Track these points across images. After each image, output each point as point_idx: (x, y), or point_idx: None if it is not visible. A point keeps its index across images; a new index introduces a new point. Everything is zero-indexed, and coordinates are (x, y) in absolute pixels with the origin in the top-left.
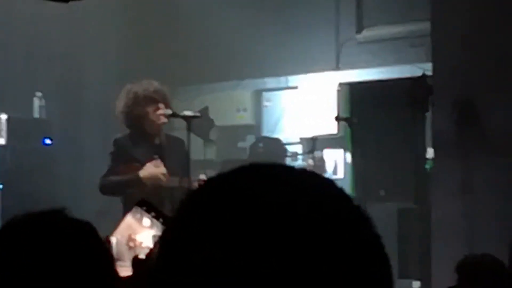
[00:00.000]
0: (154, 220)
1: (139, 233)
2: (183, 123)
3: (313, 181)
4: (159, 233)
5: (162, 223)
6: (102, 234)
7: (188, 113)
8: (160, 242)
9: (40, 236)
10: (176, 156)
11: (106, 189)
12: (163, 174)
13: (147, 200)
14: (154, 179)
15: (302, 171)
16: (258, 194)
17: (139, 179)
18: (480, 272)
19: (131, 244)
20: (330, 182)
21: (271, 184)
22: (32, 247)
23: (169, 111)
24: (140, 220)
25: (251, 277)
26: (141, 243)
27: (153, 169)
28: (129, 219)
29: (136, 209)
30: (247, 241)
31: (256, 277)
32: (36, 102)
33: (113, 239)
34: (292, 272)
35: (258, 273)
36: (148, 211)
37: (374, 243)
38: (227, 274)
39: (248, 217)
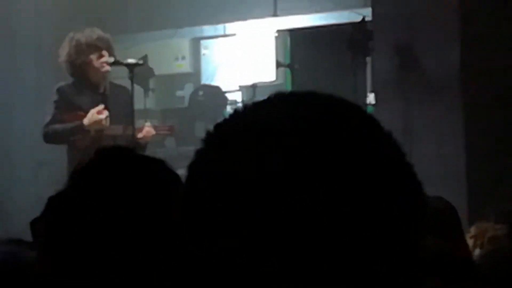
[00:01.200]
0: None
1: None
2: (124, 72)
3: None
4: None
5: None
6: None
7: (131, 60)
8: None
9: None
10: (120, 104)
11: (50, 137)
12: (106, 120)
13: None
14: (97, 124)
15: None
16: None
17: (82, 125)
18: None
19: None
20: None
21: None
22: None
23: (112, 59)
24: None
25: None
26: None
27: (96, 116)
28: None
29: None
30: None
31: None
32: None
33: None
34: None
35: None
36: None
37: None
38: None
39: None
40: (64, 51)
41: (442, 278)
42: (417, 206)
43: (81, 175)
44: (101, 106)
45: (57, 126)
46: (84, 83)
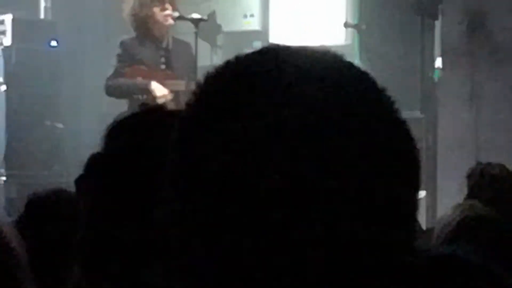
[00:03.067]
0: None
1: None
2: (189, 27)
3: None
4: None
5: None
6: None
7: (195, 16)
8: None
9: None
10: (182, 60)
11: (113, 91)
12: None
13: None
14: (161, 93)
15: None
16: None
17: (148, 88)
18: (490, 181)
19: None
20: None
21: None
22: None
23: (176, 13)
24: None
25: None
26: None
27: (163, 90)
28: None
29: None
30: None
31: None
32: (42, 3)
33: None
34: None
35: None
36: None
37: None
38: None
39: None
40: (128, 5)
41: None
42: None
43: (118, 133)
44: (167, 77)
45: (121, 81)
46: (147, 37)
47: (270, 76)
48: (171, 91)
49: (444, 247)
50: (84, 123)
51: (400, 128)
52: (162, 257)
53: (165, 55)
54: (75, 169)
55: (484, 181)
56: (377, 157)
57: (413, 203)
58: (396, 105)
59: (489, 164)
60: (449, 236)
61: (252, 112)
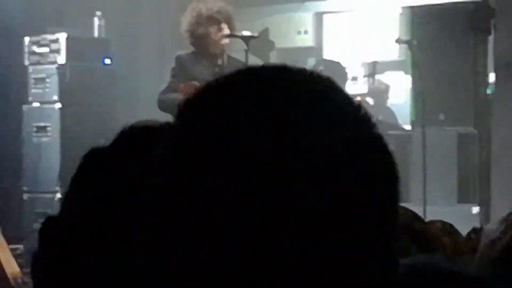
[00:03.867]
0: None
1: None
2: (243, 45)
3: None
4: None
5: None
6: None
7: (246, 33)
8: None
9: None
10: None
11: (165, 105)
12: None
13: None
14: None
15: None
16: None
17: None
18: None
19: None
20: (330, 83)
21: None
22: None
23: (227, 31)
24: None
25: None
26: None
27: None
28: None
29: None
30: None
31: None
32: (96, 21)
33: None
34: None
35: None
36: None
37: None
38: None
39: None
40: (186, 20)
41: None
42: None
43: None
44: None
45: (174, 96)
46: (203, 54)
47: (251, 99)
48: None
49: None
50: None
51: (377, 144)
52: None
53: (220, 72)
54: None
55: None
56: (352, 174)
57: (390, 218)
58: (373, 121)
59: None
60: (498, 256)
61: (234, 138)
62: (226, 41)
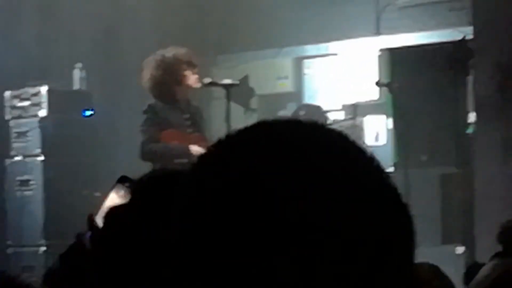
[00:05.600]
0: None
1: None
2: (222, 92)
3: (321, 136)
4: None
5: None
6: None
7: (227, 81)
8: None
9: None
10: (200, 123)
11: (151, 156)
12: None
13: (128, 177)
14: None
15: (309, 125)
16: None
17: (188, 152)
18: None
19: None
20: (342, 136)
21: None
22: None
23: (209, 79)
24: (124, 198)
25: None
26: None
27: (201, 150)
28: (112, 196)
29: (118, 186)
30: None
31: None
32: (77, 74)
33: (99, 219)
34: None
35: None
36: (131, 187)
37: (393, 194)
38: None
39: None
40: (149, 71)
41: None
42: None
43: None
44: (203, 140)
45: (159, 146)
46: (172, 101)
47: (263, 151)
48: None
49: None
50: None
51: (387, 188)
52: None
53: (190, 118)
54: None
55: None
56: (364, 220)
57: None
58: (379, 164)
59: None
60: None
61: (250, 189)
62: (198, 85)
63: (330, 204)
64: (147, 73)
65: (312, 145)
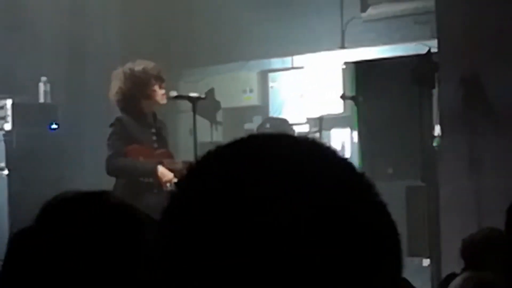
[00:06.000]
0: None
1: None
2: (188, 105)
3: (315, 150)
4: None
5: None
6: None
7: (193, 94)
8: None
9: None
10: (165, 138)
11: (117, 171)
12: (173, 179)
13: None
14: (168, 178)
15: (303, 140)
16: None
17: (155, 171)
18: (487, 249)
19: None
20: (333, 151)
21: (273, 157)
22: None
23: (175, 93)
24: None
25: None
26: None
27: (169, 175)
28: None
29: None
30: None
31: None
32: (42, 87)
33: None
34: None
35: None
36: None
37: (381, 210)
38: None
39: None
40: (117, 84)
41: None
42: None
43: (50, 214)
44: (175, 161)
45: (125, 162)
46: (138, 115)
47: (252, 167)
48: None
49: None
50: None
51: (382, 212)
52: None
53: (155, 133)
54: None
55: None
56: (358, 242)
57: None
58: (375, 189)
59: (478, 234)
60: None
61: (241, 205)
62: (165, 100)
63: (317, 214)
64: (115, 86)
65: (299, 157)
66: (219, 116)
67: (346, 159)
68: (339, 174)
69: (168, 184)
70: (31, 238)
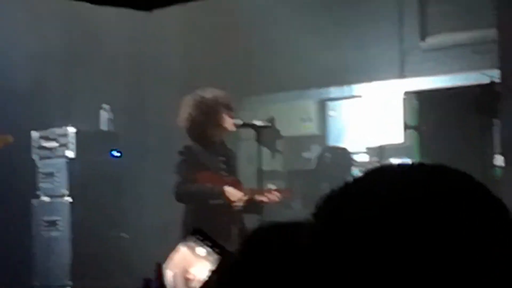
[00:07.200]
0: (210, 251)
1: (194, 265)
2: (249, 133)
3: (449, 177)
4: (214, 265)
5: (219, 254)
6: (171, 245)
7: (258, 122)
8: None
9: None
10: (234, 166)
11: (186, 197)
12: (243, 198)
13: (201, 229)
14: (237, 197)
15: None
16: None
17: (223, 192)
18: None
19: (188, 276)
20: (467, 176)
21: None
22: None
23: (240, 121)
24: (194, 251)
25: None
26: (195, 276)
27: (238, 194)
28: (183, 249)
29: (190, 238)
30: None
31: None
32: (104, 115)
33: (169, 272)
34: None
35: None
36: (203, 240)
37: None
38: None
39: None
40: (186, 112)
41: None
42: None
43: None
44: (239, 184)
45: (194, 187)
46: (207, 143)
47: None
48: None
49: None
50: (148, 232)
51: None
52: None
53: (224, 161)
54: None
55: None
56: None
57: None
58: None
59: None
60: None
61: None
62: (233, 128)
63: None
64: (185, 113)
65: (440, 189)
66: (279, 145)
67: (482, 183)
68: (480, 198)
69: (238, 204)
70: (241, 272)
